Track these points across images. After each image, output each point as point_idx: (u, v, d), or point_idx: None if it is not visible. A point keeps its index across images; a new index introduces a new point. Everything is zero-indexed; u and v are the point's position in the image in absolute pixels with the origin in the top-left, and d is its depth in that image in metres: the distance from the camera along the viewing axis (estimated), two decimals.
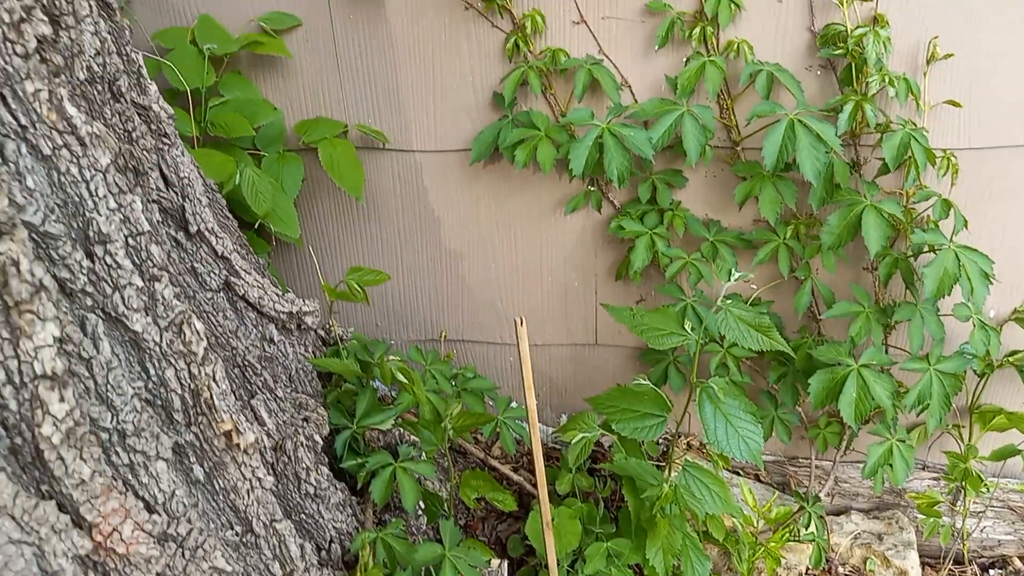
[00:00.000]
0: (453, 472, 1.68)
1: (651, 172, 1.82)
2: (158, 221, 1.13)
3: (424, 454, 1.51)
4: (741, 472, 2.12)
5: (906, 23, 1.67)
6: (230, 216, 1.43)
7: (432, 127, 1.86)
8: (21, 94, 0.82)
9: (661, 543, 1.59)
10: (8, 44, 0.80)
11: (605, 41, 1.75)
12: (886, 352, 1.84)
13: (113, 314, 0.93)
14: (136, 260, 0.95)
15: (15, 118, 0.82)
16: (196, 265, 1.22)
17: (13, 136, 0.82)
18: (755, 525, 1.77)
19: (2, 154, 0.80)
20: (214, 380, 1.01)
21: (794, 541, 1.85)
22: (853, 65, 1.66)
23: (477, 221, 1.95)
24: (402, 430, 1.65)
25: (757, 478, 2.12)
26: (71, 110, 0.88)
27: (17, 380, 0.79)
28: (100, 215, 0.90)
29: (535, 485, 1.67)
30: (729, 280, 1.61)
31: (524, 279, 2.00)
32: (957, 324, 1.76)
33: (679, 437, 2.09)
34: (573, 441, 1.63)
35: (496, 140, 1.78)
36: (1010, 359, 1.85)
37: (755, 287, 1.88)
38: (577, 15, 1.73)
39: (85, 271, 0.89)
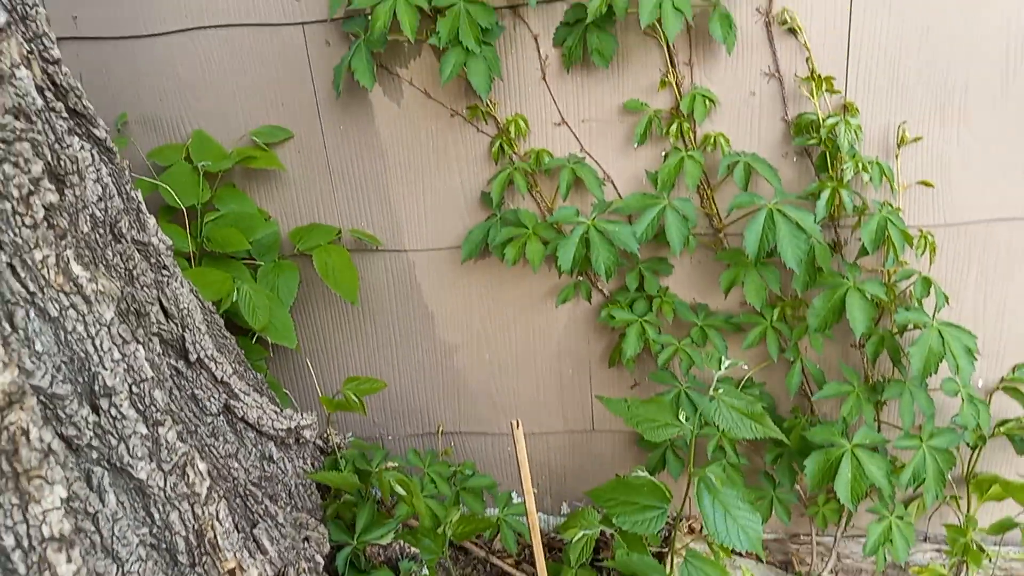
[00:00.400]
0: (455, 572, 1.68)
1: (637, 261, 1.86)
2: (159, 353, 1.15)
3: (425, 565, 1.51)
4: (743, 553, 2.12)
5: (875, 110, 1.73)
6: (228, 335, 1.46)
7: (423, 227, 1.91)
8: (30, 263, 0.86)
9: None
10: (17, 217, 0.84)
11: (586, 140, 1.81)
12: (879, 429, 1.87)
13: (118, 464, 0.95)
14: (140, 407, 0.98)
15: (24, 286, 0.85)
16: (196, 391, 1.24)
17: (22, 303, 0.85)
18: None
19: (12, 322, 0.83)
20: (217, 519, 1.03)
21: None
22: (827, 152, 1.72)
23: (470, 314, 1.98)
24: (403, 543, 1.65)
25: (759, 559, 2.12)
26: (77, 269, 0.91)
27: (26, 544, 0.81)
28: (105, 369, 0.93)
29: None
30: (720, 369, 1.64)
31: (519, 369, 2.03)
32: (947, 395, 1.79)
33: (681, 521, 2.09)
34: (574, 539, 1.63)
35: (486, 238, 1.83)
36: (1001, 428, 1.88)
37: (747, 367, 1.92)
38: (558, 117, 1.79)
39: (91, 426, 0.92)
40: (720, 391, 1.64)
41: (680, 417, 1.64)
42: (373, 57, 1.67)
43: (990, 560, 2.00)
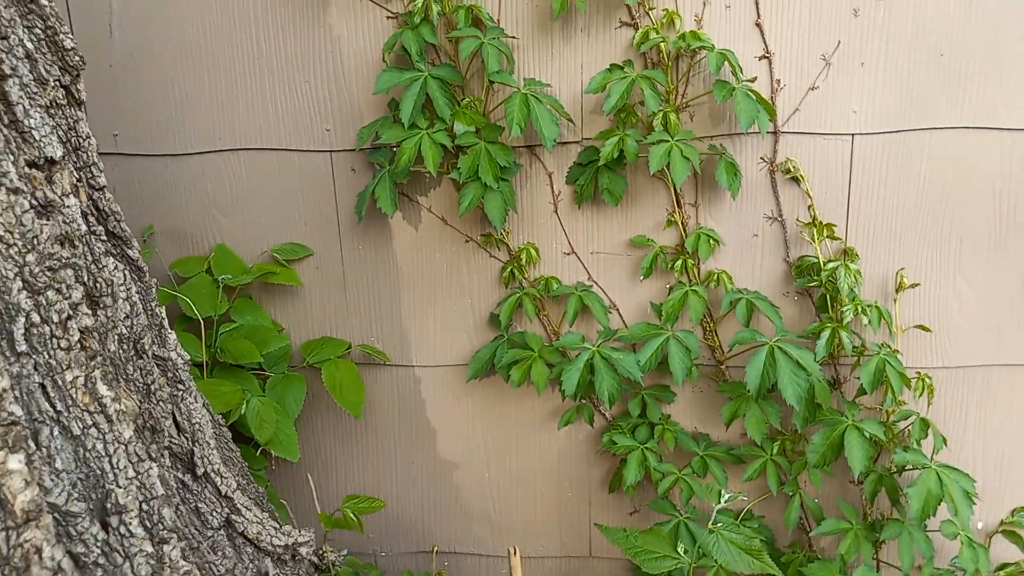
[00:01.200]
0: None
1: (641, 388, 1.90)
2: (168, 467, 1.18)
3: None
4: None
5: (874, 256, 1.81)
6: (234, 448, 1.48)
7: (432, 344, 1.96)
8: (60, 383, 0.90)
9: None
10: (54, 340, 0.89)
11: (594, 270, 1.88)
12: (877, 569, 1.85)
13: None
14: (148, 525, 0.99)
15: (52, 405, 0.89)
16: (200, 505, 1.26)
17: (48, 422, 0.89)
18: None
19: (36, 440, 0.87)
20: None
21: None
22: (827, 294, 1.78)
23: (472, 431, 2.00)
24: None
25: None
26: (102, 389, 0.96)
27: None
28: (119, 487, 0.96)
29: None
30: (719, 502, 1.65)
31: (518, 489, 2.03)
32: (946, 538, 1.78)
33: None
34: None
35: (492, 358, 1.87)
36: (1001, 573, 1.86)
37: (746, 500, 1.91)
38: (568, 248, 1.87)
39: (99, 543, 0.94)
40: (719, 524, 1.64)
41: (679, 549, 1.63)
42: (396, 186, 1.77)
43: None
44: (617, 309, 1.90)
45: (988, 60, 1.67)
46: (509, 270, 1.86)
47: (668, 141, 1.69)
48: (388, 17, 1.77)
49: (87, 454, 0.94)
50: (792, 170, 1.79)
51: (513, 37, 1.76)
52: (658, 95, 1.71)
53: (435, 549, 2.06)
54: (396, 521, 2.08)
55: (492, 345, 1.89)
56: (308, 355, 1.83)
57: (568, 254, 1.87)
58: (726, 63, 1.67)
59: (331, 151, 1.85)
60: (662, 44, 1.72)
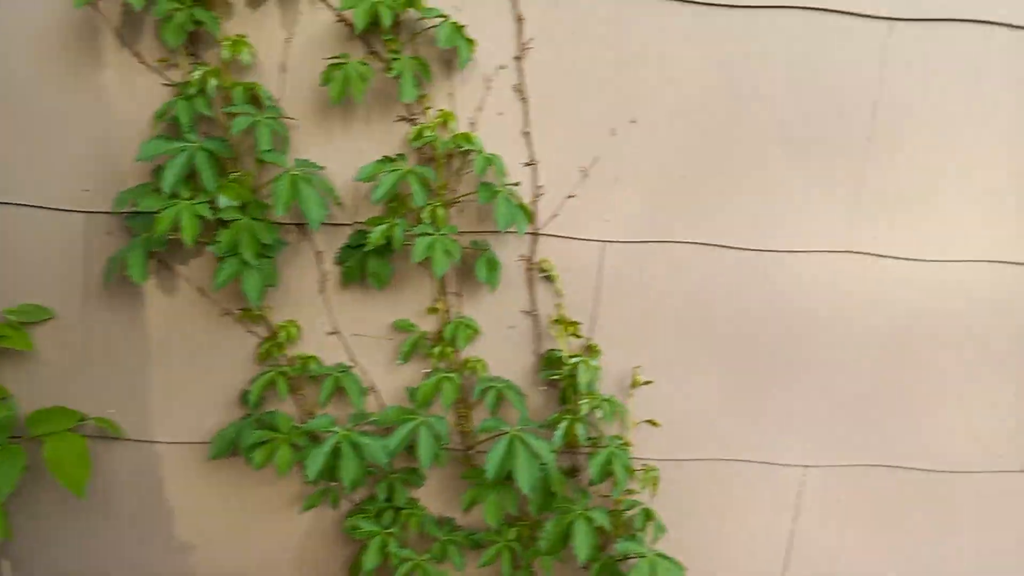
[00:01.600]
0: None
1: (390, 471, 1.93)
2: None
3: None
4: None
5: (615, 354, 1.97)
6: None
7: (177, 420, 1.88)
8: None
9: None
10: None
11: (357, 351, 1.91)
12: None
13: None
14: None
15: None
16: None
17: None
18: None
19: None
20: None
21: None
22: (569, 387, 1.92)
23: (213, 513, 1.93)
24: None
25: None
26: None
27: None
28: None
29: None
30: None
31: (257, 572, 1.97)
32: None
33: None
34: None
35: (236, 438, 1.83)
36: None
37: None
38: (331, 327, 1.89)
39: None
40: None
41: None
42: (150, 255, 1.72)
43: None
44: (376, 391, 1.93)
45: (721, 185, 1.91)
46: (266, 347, 1.85)
47: (432, 235, 1.78)
48: (164, 85, 1.75)
49: None
50: (547, 269, 1.93)
51: (291, 118, 1.79)
52: (426, 190, 1.80)
53: None
54: None
55: (238, 424, 1.85)
56: (32, 426, 1.70)
57: (331, 334, 1.89)
58: (491, 166, 1.80)
59: (87, 212, 1.77)
60: (435, 142, 1.82)
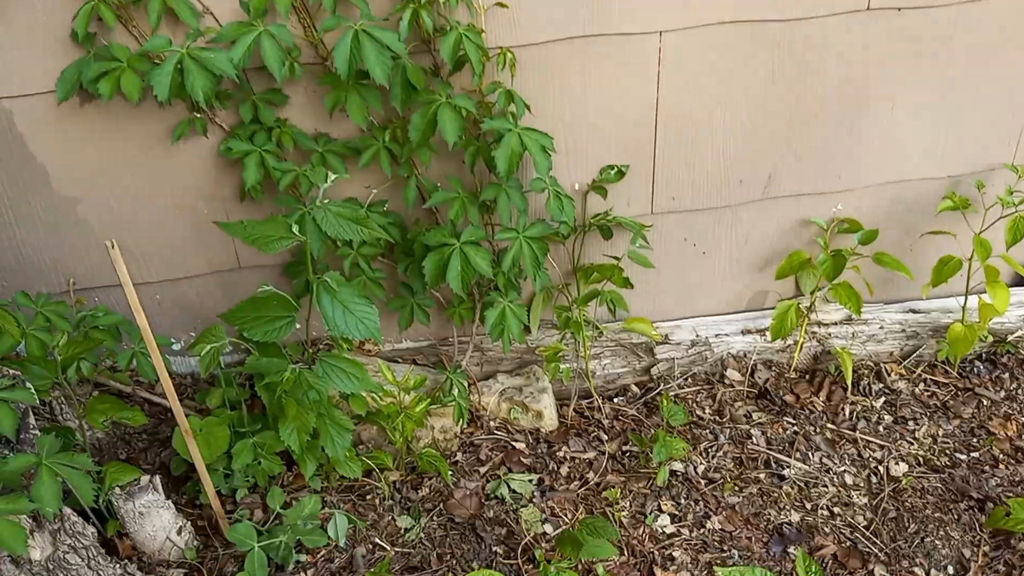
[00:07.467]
0: (77, 399, 1.69)
1: (251, 93, 1.92)
2: None
3: (31, 385, 1.53)
4: (400, 359, 2.36)
5: None
6: None
7: (10, 70, 1.81)
8: None
9: (293, 423, 1.76)
10: None
11: None
12: (492, 232, 2.13)
13: None
14: None
15: None
16: None
17: None
18: (397, 397, 2.00)
19: None
20: None
21: (438, 406, 2.12)
22: None
23: (88, 161, 1.94)
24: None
25: (415, 362, 2.37)
26: None
27: None
28: None
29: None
30: (325, 183, 1.77)
31: (151, 214, 2.04)
32: (536, 193, 2.06)
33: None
34: (202, 353, 1.73)
35: (80, 76, 1.78)
36: (593, 221, 2.23)
37: (372, 189, 2.08)
38: None
39: None
40: (327, 202, 1.77)
41: (293, 229, 1.75)
42: None
43: (600, 333, 2.40)
44: (212, 13, 1.85)
45: None
46: None
47: None
48: None
49: None
50: None
51: None
52: None
53: (71, 283, 2.04)
54: (25, 264, 2.02)
55: (78, 62, 1.79)
56: None
57: None
58: None
59: None
60: None
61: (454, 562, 1.93)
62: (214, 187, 2.03)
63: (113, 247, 1.52)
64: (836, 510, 2.02)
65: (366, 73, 1.82)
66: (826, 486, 2.09)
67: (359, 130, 2.02)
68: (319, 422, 1.81)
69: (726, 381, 2.40)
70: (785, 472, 2.12)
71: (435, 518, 2.03)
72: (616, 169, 2.16)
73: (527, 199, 2.05)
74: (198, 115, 1.93)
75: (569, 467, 2.19)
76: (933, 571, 1.86)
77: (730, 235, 2.35)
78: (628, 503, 2.07)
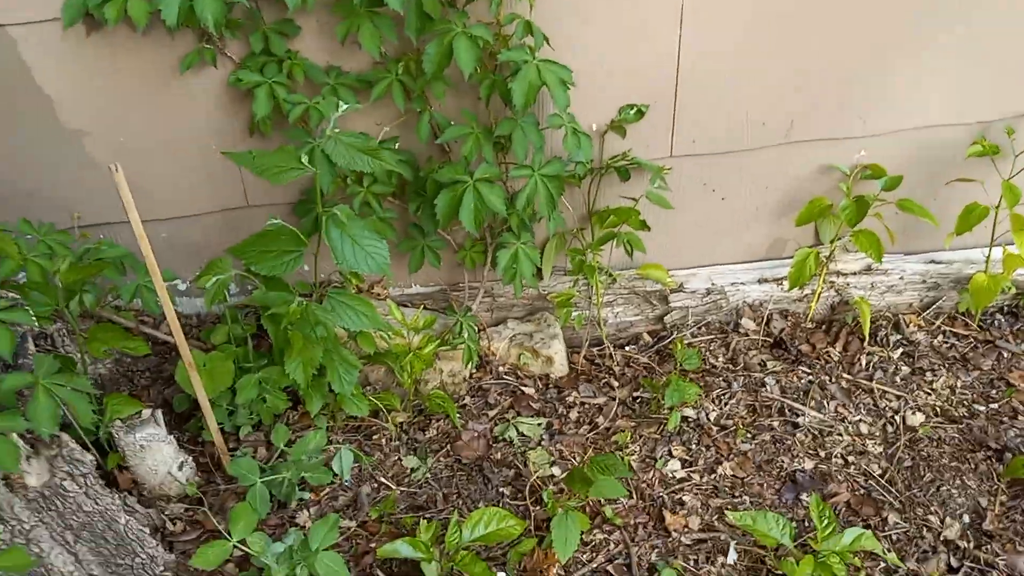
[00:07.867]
0: (79, 331, 1.66)
1: (262, 22, 1.87)
2: None
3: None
4: (410, 304, 2.32)
5: None
6: None
7: None
8: None
9: (298, 356, 1.73)
10: None
11: None
12: (505, 170, 2.08)
13: None
14: None
15: None
16: None
17: None
18: (406, 337, 1.97)
19: None
20: None
21: (448, 348, 2.09)
22: None
23: (93, 96, 1.90)
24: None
25: (424, 307, 2.33)
26: None
27: None
28: None
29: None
30: (336, 111, 1.73)
31: (160, 150, 2.00)
32: (553, 130, 2.00)
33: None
34: (208, 284, 1.70)
35: (86, 2, 1.73)
36: (610, 162, 2.17)
37: (384, 127, 2.03)
38: None
39: None
40: (338, 132, 1.73)
41: (303, 160, 1.71)
42: None
43: (614, 280, 2.36)
44: None
45: None
46: None
47: None
48: None
49: None
50: None
51: None
52: None
53: (77, 217, 2.00)
54: (34, 200, 1.99)
55: None
56: None
57: None
58: None
59: None
60: None
61: (460, 502, 1.92)
62: (223, 121, 1.99)
63: (117, 170, 1.48)
64: (851, 458, 2.00)
65: (380, 1, 1.77)
66: (840, 435, 2.06)
67: (372, 63, 1.98)
68: (326, 358, 1.78)
69: (741, 330, 2.36)
70: (799, 420, 2.09)
71: (442, 459, 2.02)
72: (636, 108, 2.10)
73: (543, 136, 2.00)
74: (207, 45, 1.87)
75: (579, 412, 2.16)
76: (948, 519, 1.84)
77: (750, 180, 2.29)
78: (638, 447, 2.04)
